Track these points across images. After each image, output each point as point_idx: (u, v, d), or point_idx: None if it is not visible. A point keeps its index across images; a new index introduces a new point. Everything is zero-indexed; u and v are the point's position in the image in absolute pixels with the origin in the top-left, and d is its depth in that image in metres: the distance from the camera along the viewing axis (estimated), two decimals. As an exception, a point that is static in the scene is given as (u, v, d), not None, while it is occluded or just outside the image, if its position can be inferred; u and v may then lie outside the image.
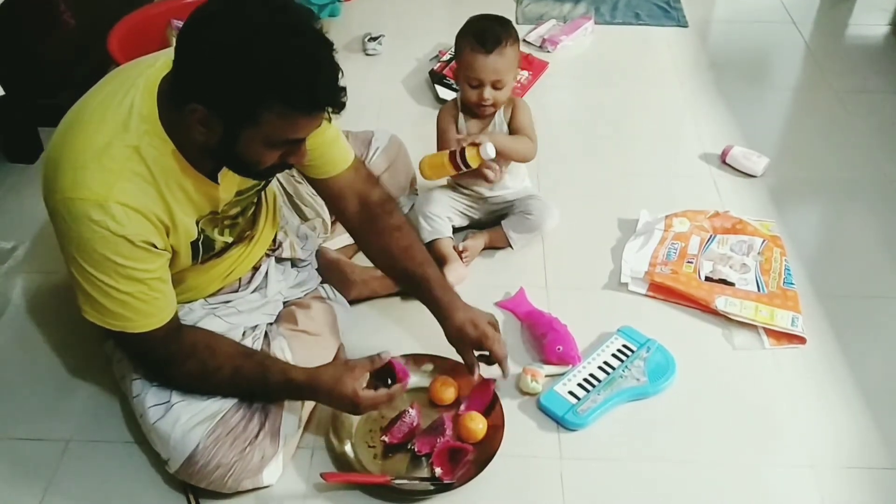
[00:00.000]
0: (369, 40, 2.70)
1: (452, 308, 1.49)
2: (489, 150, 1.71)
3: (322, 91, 1.14)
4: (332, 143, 1.44)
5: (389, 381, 1.40)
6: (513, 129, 1.86)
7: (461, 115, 1.85)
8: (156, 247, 1.24)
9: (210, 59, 1.09)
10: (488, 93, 1.76)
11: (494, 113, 1.84)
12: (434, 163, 1.78)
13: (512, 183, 1.91)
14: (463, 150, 1.72)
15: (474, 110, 1.84)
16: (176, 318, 1.33)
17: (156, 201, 1.23)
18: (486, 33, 1.74)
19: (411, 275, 1.52)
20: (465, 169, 1.74)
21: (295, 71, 1.10)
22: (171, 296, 1.32)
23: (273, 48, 1.08)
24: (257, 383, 1.37)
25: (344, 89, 1.16)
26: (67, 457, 1.49)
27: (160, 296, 1.28)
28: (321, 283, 1.67)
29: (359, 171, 1.53)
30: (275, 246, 1.62)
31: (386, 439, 1.45)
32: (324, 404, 1.44)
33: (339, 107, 1.17)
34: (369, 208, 1.52)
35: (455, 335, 1.49)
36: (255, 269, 1.57)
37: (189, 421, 1.33)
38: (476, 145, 1.71)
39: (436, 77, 2.50)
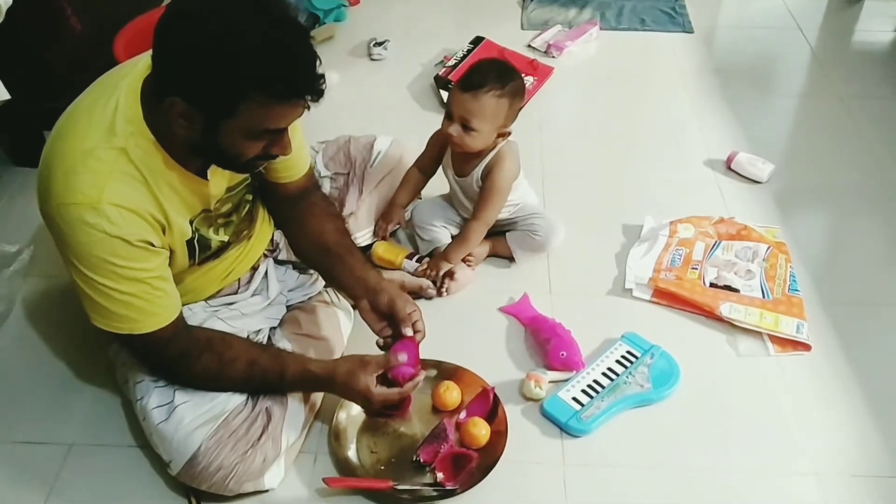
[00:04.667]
0: (375, 45, 2.70)
1: (378, 275, 1.50)
2: (407, 266, 1.84)
3: (300, 79, 1.14)
4: (298, 149, 1.43)
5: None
6: (484, 183, 1.77)
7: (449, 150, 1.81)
8: (153, 245, 1.24)
9: (187, 51, 1.09)
10: (454, 129, 1.68)
11: (473, 157, 1.75)
12: (385, 258, 1.85)
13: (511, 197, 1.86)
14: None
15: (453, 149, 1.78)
16: (182, 316, 1.34)
17: (149, 200, 1.23)
18: (473, 75, 1.68)
19: (337, 244, 1.52)
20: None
21: (272, 60, 1.09)
22: (175, 294, 1.32)
23: (249, 38, 1.08)
24: (273, 374, 1.37)
25: (322, 77, 1.15)
26: (71, 460, 1.49)
27: (163, 294, 1.28)
28: (325, 286, 1.67)
29: (311, 177, 1.56)
30: (273, 246, 1.63)
31: (421, 458, 1.43)
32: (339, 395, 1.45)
33: (318, 94, 1.16)
34: (310, 199, 1.55)
35: (391, 289, 1.46)
36: (254, 269, 1.58)
37: (191, 423, 1.34)
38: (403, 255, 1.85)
39: (441, 82, 2.50)
